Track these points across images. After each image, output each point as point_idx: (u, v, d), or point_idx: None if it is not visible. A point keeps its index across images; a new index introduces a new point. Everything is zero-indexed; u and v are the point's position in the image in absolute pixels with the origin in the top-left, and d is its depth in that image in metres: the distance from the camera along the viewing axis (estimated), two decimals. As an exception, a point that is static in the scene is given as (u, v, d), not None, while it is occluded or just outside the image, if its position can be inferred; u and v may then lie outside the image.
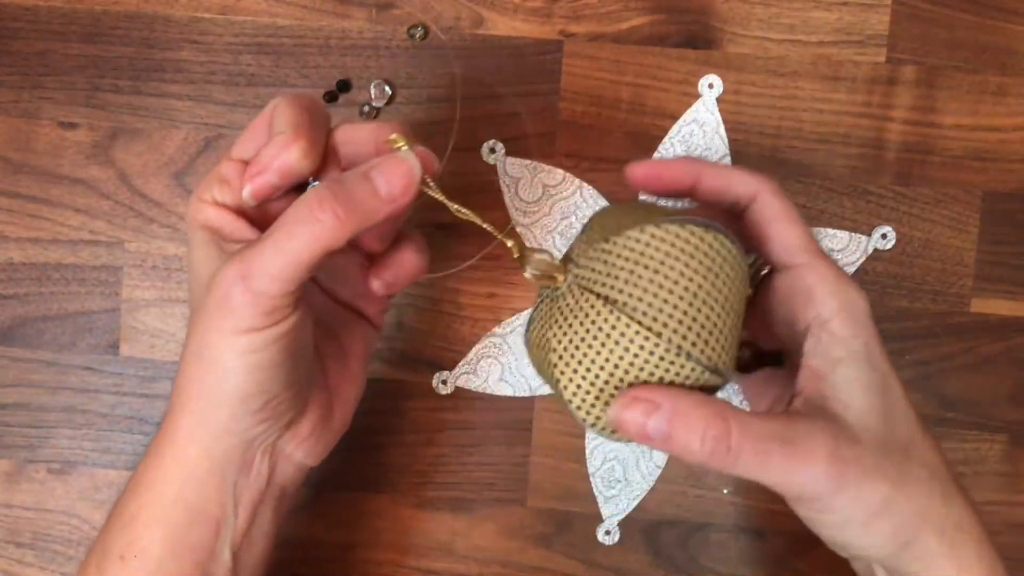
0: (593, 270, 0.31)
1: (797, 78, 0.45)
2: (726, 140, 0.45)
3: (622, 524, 0.46)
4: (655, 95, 0.45)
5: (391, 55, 0.45)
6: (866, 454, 0.30)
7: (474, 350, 0.45)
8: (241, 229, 0.34)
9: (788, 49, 0.45)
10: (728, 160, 0.44)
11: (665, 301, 0.30)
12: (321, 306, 0.37)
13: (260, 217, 0.34)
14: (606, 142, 0.45)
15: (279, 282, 0.30)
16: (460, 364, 0.45)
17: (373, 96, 0.45)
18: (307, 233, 0.30)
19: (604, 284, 0.30)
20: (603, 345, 0.30)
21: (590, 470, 0.45)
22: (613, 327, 0.30)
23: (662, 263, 0.30)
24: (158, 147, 0.45)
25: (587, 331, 0.30)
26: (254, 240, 0.32)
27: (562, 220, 0.45)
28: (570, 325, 0.31)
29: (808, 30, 0.44)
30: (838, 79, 0.44)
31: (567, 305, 0.31)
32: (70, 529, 0.46)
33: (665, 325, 0.29)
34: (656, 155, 0.45)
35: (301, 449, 0.35)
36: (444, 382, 0.45)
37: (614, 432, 0.31)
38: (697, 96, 0.45)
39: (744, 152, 0.45)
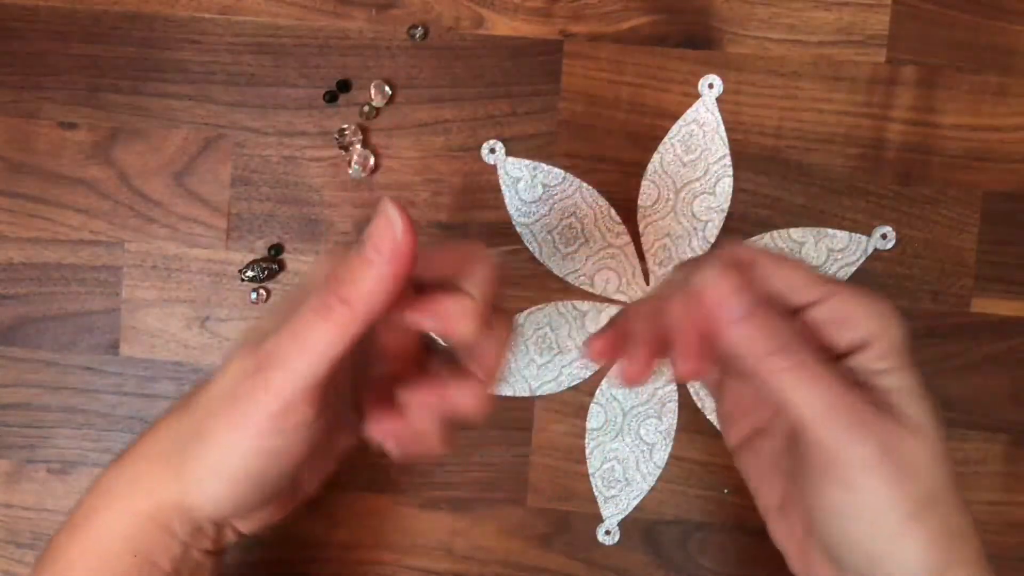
0: None
1: (797, 78, 0.45)
2: (726, 140, 0.45)
3: (622, 524, 0.46)
4: (655, 95, 0.45)
5: (391, 55, 0.45)
6: (921, 445, 0.29)
7: (474, 350, 0.45)
8: None
9: (788, 49, 0.45)
10: (728, 161, 0.45)
11: None
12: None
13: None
14: (606, 142, 0.45)
15: (299, 378, 0.29)
16: (460, 364, 0.45)
17: (373, 96, 0.45)
18: (319, 322, 0.29)
19: None
20: None
21: (590, 470, 0.45)
22: None
23: None
24: (158, 147, 0.45)
25: None
26: (272, 335, 0.30)
27: (562, 220, 0.45)
28: None
29: (808, 30, 0.44)
30: (838, 79, 0.44)
31: None
32: (70, 529, 0.46)
33: None
34: (656, 155, 0.45)
35: (250, 525, 0.34)
36: (444, 382, 0.45)
37: None
38: (697, 96, 0.45)
39: (744, 152, 0.45)
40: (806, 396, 0.28)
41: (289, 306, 0.30)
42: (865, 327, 0.29)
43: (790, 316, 0.30)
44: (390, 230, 0.28)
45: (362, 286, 0.28)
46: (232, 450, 0.30)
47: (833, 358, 0.30)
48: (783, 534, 0.33)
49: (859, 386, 0.29)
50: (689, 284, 0.30)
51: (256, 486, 0.31)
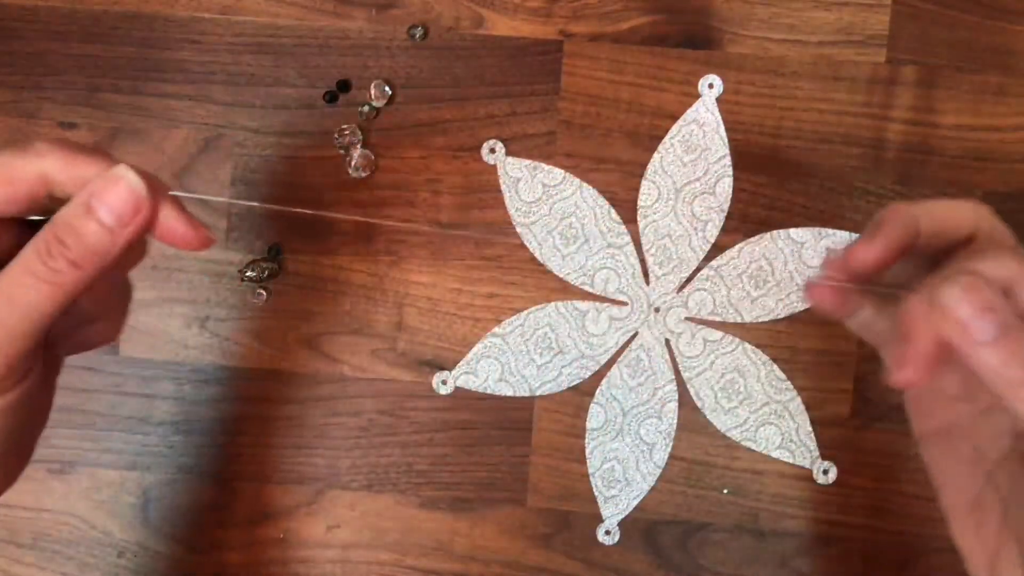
0: None
1: (797, 78, 0.45)
2: (726, 140, 0.45)
3: (622, 524, 0.46)
4: (655, 95, 0.45)
5: (391, 55, 0.45)
6: None
7: (474, 350, 0.45)
8: None
9: (788, 49, 0.45)
10: (728, 161, 0.45)
11: None
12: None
13: None
14: (606, 142, 0.45)
15: (17, 340, 0.27)
16: (460, 364, 0.45)
17: (373, 96, 0.45)
18: (42, 284, 0.27)
19: None
20: None
21: (590, 470, 0.45)
22: None
23: None
24: (158, 147, 0.45)
25: None
26: None
27: (562, 220, 0.45)
28: None
29: (808, 30, 0.44)
30: (838, 79, 0.44)
31: None
32: (70, 529, 0.46)
33: None
34: (656, 155, 0.45)
35: None
36: (444, 382, 0.45)
37: None
38: (697, 96, 0.45)
39: (744, 152, 0.45)
40: None
41: None
42: None
43: None
44: (130, 195, 0.27)
45: (95, 249, 0.27)
46: None
47: None
48: (969, 534, 0.32)
49: None
50: (934, 292, 0.26)
51: None
